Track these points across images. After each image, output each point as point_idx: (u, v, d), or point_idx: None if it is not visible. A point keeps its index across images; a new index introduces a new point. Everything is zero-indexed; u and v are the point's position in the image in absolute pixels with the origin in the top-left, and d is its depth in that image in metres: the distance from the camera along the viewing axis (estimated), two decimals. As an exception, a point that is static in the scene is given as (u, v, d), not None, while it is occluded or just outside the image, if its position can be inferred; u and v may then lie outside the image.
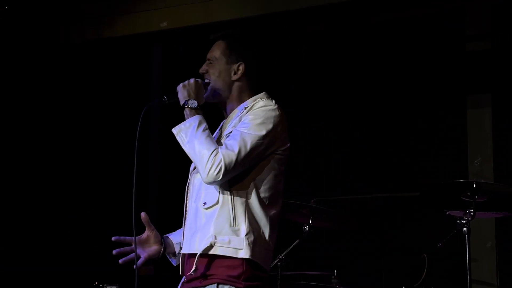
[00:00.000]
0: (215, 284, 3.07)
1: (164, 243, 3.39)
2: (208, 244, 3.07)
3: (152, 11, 6.22)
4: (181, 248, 3.34)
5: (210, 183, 3.12)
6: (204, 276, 3.09)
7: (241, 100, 3.37)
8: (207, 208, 3.15)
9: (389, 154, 6.47)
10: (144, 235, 3.38)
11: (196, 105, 3.24)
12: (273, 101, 3.29)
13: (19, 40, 6.73)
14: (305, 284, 5.15)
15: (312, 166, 6.66)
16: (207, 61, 3.41)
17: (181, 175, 3.55)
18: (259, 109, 3.23)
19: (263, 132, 3.16)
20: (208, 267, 3.10)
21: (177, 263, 3.38)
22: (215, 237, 3.08)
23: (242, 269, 3.08)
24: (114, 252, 3.34)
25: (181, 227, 3.38)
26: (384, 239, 6.21)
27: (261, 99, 3.32)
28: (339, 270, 5.21)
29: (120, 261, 3.35)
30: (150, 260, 3.40)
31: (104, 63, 7.01)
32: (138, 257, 3.33)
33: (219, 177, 3.06)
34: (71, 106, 7.07)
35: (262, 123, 3.18)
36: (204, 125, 3.18)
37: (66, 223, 6.88)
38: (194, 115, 3.21)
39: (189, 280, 3.16)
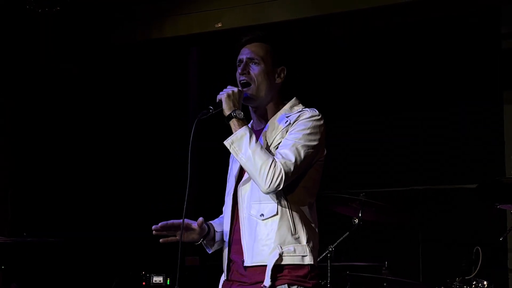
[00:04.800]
0: (286, 285, 3.18)
1: (206, 233, 3.44)
2: (277, 256, 3.16)
3: (207, 12, 6.25)
4: (222, 241, 3.43)
5: (269, 193, 3.18)
6: (273, 279, 3.18)
7: (277, 105, 3.40)
8: (265, 219, 3.22)
9: (428, 148, 6.64)
10: (194, 225, 3.40)
11: (242, 115, 3.26)
12: (317, 111, 3.33)
13: (69, 40, 6.85)
14: (356, 275, 5.30)
15: (362, 159, 6.83)
16: (250, 61, 3.37)
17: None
18: (307, 119, 3.27)
19: (314, 142, 3.24)
20: (276, 272, 3.18)
21: (213, 251, 3.50)
22: (281, 248, 3.18)
23: (307, 270, 3.22)
24: (159, 225, 3.31)
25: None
26: (435, 231, 6.36)
27: (303, 107, 3.37)
28: (390, 262, 5.35)
29: (161, 240, 3.35)
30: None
31: (149, 64, 7.16)
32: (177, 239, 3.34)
33: (280, 186, 3.14)
34: (113, 105, 7.21)
35: (312, 133, 3.24)
36: (254, 136, 3.21)
37: (115, 215, 7.02)
38: (242, 126, 3.23)
39: (253, 283, 3.24)
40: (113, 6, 6.68)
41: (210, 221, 3.52)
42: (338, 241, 5.29)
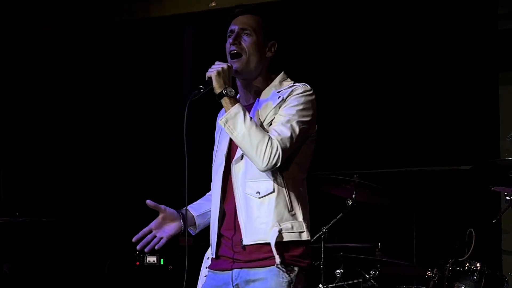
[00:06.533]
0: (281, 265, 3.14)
1: (183, 218, 3.43)
2: (277, 234, 3.13)
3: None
4: (206, 221, 3.44)
5: (266, 170, 3.14)
6: (268, 258, 3.16)
7: (265, 79, 3.34)
8: (261, 197, 3.18)
9: (423, 129, 6.62)
10: (159, 218, 3.42)
11: (234, 93, 3.19)
12: (308, 86, 3.28)
13: (61, 21, 6.81)
14: (350, 257, 5.30)
15: (356, 140, 6.82)
16: (242, 31, 3.31)
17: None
18: (300, 94, 3.23)
19: (308, 118, 3.21)
20: (277, 249, 3.15)
21: (196, 232, 3.48)
22: (279, 225, 3.15)
23: (303, 249, 3.20)
24: (133, 239, 3.39)
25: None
26: (430, 212, 6.35)
27: (293, 82, 3.33)
28: (383, 243, 5.34)
29: (138, 247, 3.41)
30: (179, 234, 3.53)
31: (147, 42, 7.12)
32: (160, 238, 3.40)
33: (277, 164, 3.10)
34: (106, 85, 7.18)
35: (305, 109, 3.20)
36: (247, 113, 3.16)
37: (110, 198, 7.01)
38: (234, 104, 3.17)
39: (248, 261, 3.21)
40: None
41: (189, 205, 3.48)
42: (331, 222, 5.29)
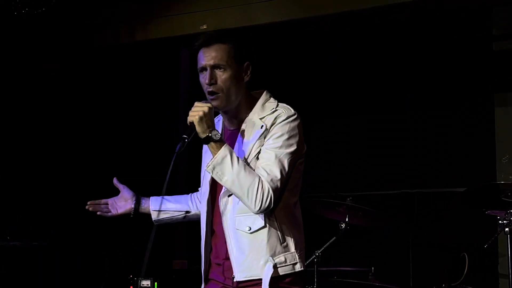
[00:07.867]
0: None
1: (138, 202, 3.60)
2: (272, 270, 3.08)
3: (193, 13, 6.20)
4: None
5: (260, 213, 3.09)
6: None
7: (248, 102, 3.25)
8: (252, 232, 3.12)
9: (418, 150, 6.57)
10: (118, 196, 3.65)
11: (219, 135, 3.09)
12: (292, 110, 3.20)
13: (53, 43, 6.79)
14: (343, 281, 5.25)
15: (351, 162, 6.78)
16: (215, 68, 3.17)
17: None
18: (283, 122, 3.14)
19: (294, 147, 3.12)
20: (271, 285, 3.11)
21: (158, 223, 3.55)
22: (273, 259, 3.10)
23: (294, 277, 3.15)
24: (88, 203, 3.66)
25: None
26: (427, 235, 6.29)
27: (276, 103, 3.23)
28: (376, 267, 5.29)
29: (93, 210, 3.68)
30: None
31: (138, 65, 7.10)
32: (109, 212, 3.67)
33: (270, 206, 3.05)
34: (97, 108, 7.15)
35: (291, 137, 3.12)
36: (235, 155, 3.07)
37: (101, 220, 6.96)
38: (220, 147, 3.07)
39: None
40: (97, 7, 6.62)
41: (159, 197, 3.54)
42: (325, 246, 5.24)
